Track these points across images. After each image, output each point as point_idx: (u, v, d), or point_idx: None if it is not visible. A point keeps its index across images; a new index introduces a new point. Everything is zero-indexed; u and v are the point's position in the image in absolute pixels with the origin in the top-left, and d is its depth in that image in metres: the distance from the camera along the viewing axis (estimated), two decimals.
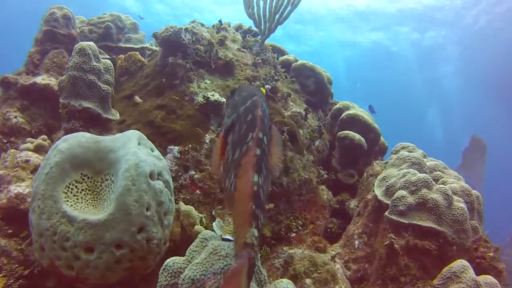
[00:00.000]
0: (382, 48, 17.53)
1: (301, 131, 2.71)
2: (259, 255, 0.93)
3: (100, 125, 2.21)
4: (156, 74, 2.75)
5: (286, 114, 2.71)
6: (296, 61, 3.44)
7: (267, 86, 2.61)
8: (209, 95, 2.47)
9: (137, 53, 3.14)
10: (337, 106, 3.19)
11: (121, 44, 3.53)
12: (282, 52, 3.72)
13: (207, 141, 2.42)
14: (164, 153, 2.34)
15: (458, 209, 2.12)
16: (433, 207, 2.11)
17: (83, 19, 3.82)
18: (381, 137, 3.12)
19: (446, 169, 2.77)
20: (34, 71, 3.35)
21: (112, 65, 2.30)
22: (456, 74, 18.69)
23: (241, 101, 1.23)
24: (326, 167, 3.02)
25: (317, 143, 2.91)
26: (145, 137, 1.94)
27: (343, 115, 3.05)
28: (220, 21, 3.22)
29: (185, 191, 2.27)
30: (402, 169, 2.46)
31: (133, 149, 1.76)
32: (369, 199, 2.60)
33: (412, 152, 2.81)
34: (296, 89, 3.29)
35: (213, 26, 3.31)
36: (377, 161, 2.85)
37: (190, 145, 2.35)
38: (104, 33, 3.52)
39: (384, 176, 2.47)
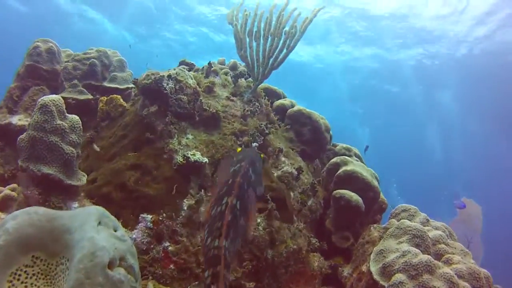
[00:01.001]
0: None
1: (292, 194, 2.46)
2: None
3: (62, 192, 1.97)
4: (135, 125, 2.52)
5: (276, 174, 2.47)
6: (293, 106, 3.20)
7: (254, 144, 2.37)
8: (189, 155, 2.23)
9: (119, 97, 2.92)
10: (333, 160, 2.93)
11: (106, 84, 3.32)
12: (277, 95, 3.48)
13: (185, 207, 2.18)
14: (136, 222, 2.11)
15: None
16: None
17: (70, 53, 3.62)
18: (381, 195, 2.86)
19: (451, 236, 2.51)
20: (13, 108, 3.15)
21: (79, 122, 2.07)
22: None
23: (234, 163, 1.36)
24: (319, 228, 2.76)
25: (310, 202, 2.66)
26: (108, 214, 1.71)
27: (339, 171, 2.80)
28: (209, 63, 2.99)
29: (158, 266, 2.02)
30: (401, 242, 2.21)
31: (90, 233, 1.53)
32: (363, 272, 2.34)
33: (413, 216, 2.55)
34: (291, 138, 3.05)
35: (202, 68, 3.09)
36: (374, 225, 2.58)
37: (164, 214, 2.11)
38: (89, 70, 3.31)
39: (382, 250, 2.21)
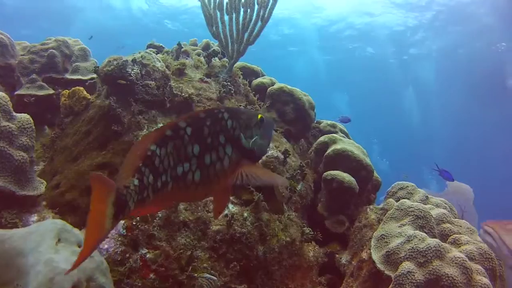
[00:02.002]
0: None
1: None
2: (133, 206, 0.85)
3: (16, 205, 1.71)
4: (100, 119, 2.25)
5: (260, 160, 2.24)
6: (273, 84, 2.96)
7: None
8: None
9: (82, 89, 2.63)
10: (321, 139, 2.71)
11: (68, 76, 3.02)
12: (255, 74, 3.23)
13: None
14: None
15: (480, 286, 1.68)
16: (449, 285, 1.66)
17: (26, 45, 3.29)
18: (374, 172, 2.66)
19: (452, 211, 2.33)
20: None
21: (31, 122, 1.80)
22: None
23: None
24: (312, 213, 2.56)
25: (299, 187, 2.45)
26: (69, 227, 1.48)
27: (329, 150, 2.58)
28: (179, 43, 2.72)
29: (136, 277, 1.79)
30: (404, 225, 2.01)
31: (47, 255, 1.31)
32: (364, 259, 2.15)
33: (412, 194, 2.36)
34: (274, 118, 2.82)
35: (171, 50, 2.81)
36: (370, 207, 2.39)
37: (138, 217, 1.88)
38: (48, 62, 3.01)
39: (383, 235, 2.02)
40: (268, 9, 2.52)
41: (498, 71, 15.35)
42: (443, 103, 21.98)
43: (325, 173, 2.47)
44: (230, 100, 2.44)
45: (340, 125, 3.47)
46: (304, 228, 2.21)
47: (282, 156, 2.29)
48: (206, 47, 3.11)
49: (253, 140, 1.08)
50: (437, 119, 24.43)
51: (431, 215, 2.05)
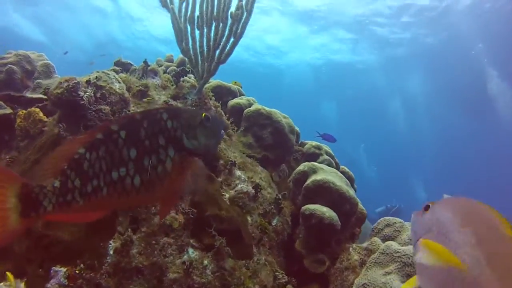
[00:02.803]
0: None
1: (249, 218, 1.99)
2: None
3: None
4: (49, 147, 2.01)
5: (228, 196, 1.99)
6: (250, 105, 2.72)
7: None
8: None
9: (38, 110, 2.38)
10: (300, 168, 2.45)
11: (28, 94, 2.77)
12: (232, 93, 2.98)
13: (111, 251, 1.70)
14: (46, 278, 1.63)
15: None
16: None
17: None
18: (358, 204, 2.41)
19: None
20: None
21: None
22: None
23: None
24: (290, 250, 2.31)
25: (275, 221, 2.20)
26: None
27: (308, 181, 2.33)
28: (145, 61, 2.47)
29: None
30: (389, 273, 1.77)
31: None
32: None
33: (399, 232, 2.12)
34: (250, 143, 2.57)
35: (138, 68, 2.57)
36: (353, 245, 2.14)
37: (83, 264, 1.63)
38: (6, 79, 2.76)
39: (365, 284, 1.78)
40: (241, 23, 2.28)
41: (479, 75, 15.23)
42: (428, 109, 21.83)
43: (303, 208, 2.22)
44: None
45: (326, 147, 3.23)
46: (277, 273, 1.96)
47: (253, 191, 2.04)
48: (182, 63, 2.87)
49: (197, 140, 1.02)
50: (424, 125, 24.37)
51: None
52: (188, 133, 1.01)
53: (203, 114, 1.04)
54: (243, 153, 2.47)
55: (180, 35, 2.43)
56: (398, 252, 1.84)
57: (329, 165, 3.09)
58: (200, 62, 2.36)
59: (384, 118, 24.34)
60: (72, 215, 0.91)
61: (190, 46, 2.38)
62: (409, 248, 1.88)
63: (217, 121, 1.09)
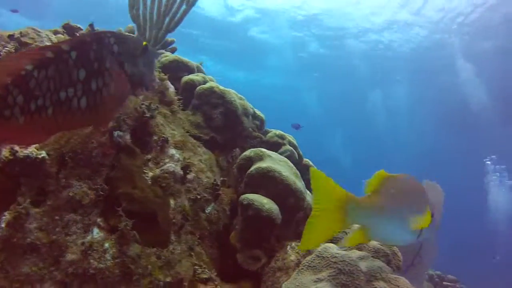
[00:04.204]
0: None
1: (172, 202, 1.78)
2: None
3: None
4: None
5: (151, 175, 1.78)
6: (205, 83, 2.50)
7: (116, 133, 1.67)
8: (17, 149, 1.54)
9: None
10: (246, 153, 2.23)
11: None
12: (190, 70, 2.75)
13: (3, 224, 1.50)
14: None
15: None
16: None
17: None
18: (305, 200, 2.19)
19: (395, 259, 1.89)
20: None
21: None
22: None
23: None
24: (224, 243, 2.10)
25: (209, 209, 2.00)
26: None
27: (252, 168, 2.11)
28: (91, 25, 2.25)
29: None
30: (321, 279, 1.56)
31: None
32: None
33: (349, 231, 1.92)
34: (198, 123, 2.36)
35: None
36: (292, 244, 1.94)
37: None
38: None
39: None
40: None
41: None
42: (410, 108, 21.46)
43: (241, 197, 2.01)
44: (137, 98, 1.98)
45: (290, 137, 3.02)
46: (196, 267, 1.75)
47: (181, 172, 1.83)
48: (132, 32, 2.65)
49: (136, 67, 1.07)
50: (404, 124, 24.11)
51: (360, 270, 1.60)
52: (129, 60, 1.05)
53: (144, 43, 1.09)
54: (189, 133, 2.26)
55: (132, 0, 2.22)
56: (335, 257, 1.63)
57: (291, 156, 2.89)
58: (148, 29, 2.15)
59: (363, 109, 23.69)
60: (11, 133, 0.88)
61: (141, 12, 2.18)
62: (348, 253, 1.68)
63: (154, 53, 1.15)
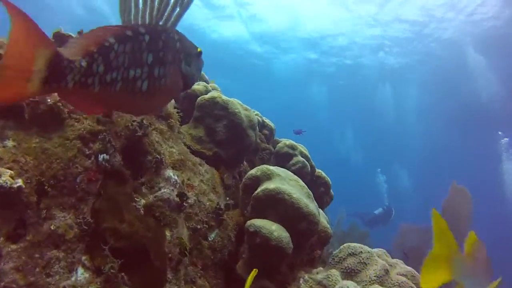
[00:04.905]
0: None
1: (168, 234, 1.56)
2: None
3: None
4: None
5: (143, 203, 1.56)
6: (207, 92, 2.29)
7: (101, 157, 1.46)
8: None
9: None
10: (252, 172, 2.00)
11: None
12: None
13: None
14: None
15: None
16: None
17: None
18: (319, 223, 1.96)
19: None
20: None
21: None
22: None
23: None
24: (230, 272, 1.89)
25: (212, 236, 1.79)
26: None
27: (258, 190, 1.88)
28: (79, 32, 2.05)
29: None
30: None
31: None
32: None
33: (366, 265, 1.70)
34: (200, 137, 2.14)
35: None
36: (305, 277, 1.73)
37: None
38: None
39: None
40: None
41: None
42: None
43: (248, 223, 1.79)
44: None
45: (301, 147, 2.80)
46: None
47: (177, 199, 1.61)
48: None
49: (190, 67, 1.12)
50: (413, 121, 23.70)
51: None
52: (186, 59, 1.10)
53: (199, 49, 1.16)
54: (190, 148, 2.05)
55: (124, 4, 2.02)
56: None
57: (303, 167, 2.67)
58: None
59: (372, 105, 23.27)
60: (82, 100, 0.90)
61: (132, 17, 1.97)
62: None
63: (202, 60, 1.19)
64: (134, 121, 1.71)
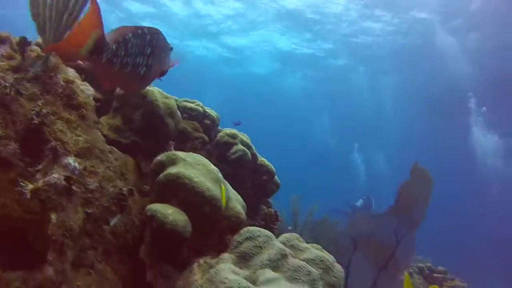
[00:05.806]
0: None
1: (53, 217, 1.60)
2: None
3: None
4: None
5: (29, 187, 1.61)
6: None
7: None
8: None
9: None
10: (158, 158, 2.01)
11: None
12: None
13: None
14: None
15: None
16: None
17: None
18: (225, 208, 1.97)
19: (328, 274, 1.66)
20: None
21: None
22: None
23: None
24: (136, 258, 1.91)
25: (114, 221, 1.82)
26: None
27: (161, 175, 1.91)
28: None
29: None
30: None
31: None
32: None
33: (261, 249, 1.70)
34: (118, 126, 2.18)
35: None
36: (201, 261, 1.74)
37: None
38: None
39: None
40: None
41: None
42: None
43: (147, 207, 1.82)
44: (31, 102, 1.82)
45: (242, 135, 2.81)
46: None
47: (64, 183, 1.64)
48: None
49: (166, 60, 1.52)
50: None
51: None
52: (165, 52, 1.50)
53: (171, 46, 1.54)
54: (108, 137, 2.09)
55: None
56: (223, 283, 1.43)
57: (243, 156, 2.68)
58: (48, 27, 1.97)
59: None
60: (105, 74, 1.29)
61: (40, 10, 2.00)
62: (243, 282, 1.45)
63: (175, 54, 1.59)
64: (32, 110, 1.75)
